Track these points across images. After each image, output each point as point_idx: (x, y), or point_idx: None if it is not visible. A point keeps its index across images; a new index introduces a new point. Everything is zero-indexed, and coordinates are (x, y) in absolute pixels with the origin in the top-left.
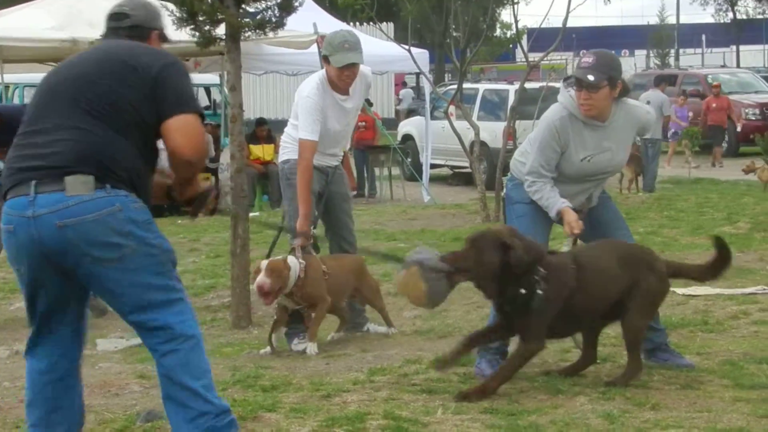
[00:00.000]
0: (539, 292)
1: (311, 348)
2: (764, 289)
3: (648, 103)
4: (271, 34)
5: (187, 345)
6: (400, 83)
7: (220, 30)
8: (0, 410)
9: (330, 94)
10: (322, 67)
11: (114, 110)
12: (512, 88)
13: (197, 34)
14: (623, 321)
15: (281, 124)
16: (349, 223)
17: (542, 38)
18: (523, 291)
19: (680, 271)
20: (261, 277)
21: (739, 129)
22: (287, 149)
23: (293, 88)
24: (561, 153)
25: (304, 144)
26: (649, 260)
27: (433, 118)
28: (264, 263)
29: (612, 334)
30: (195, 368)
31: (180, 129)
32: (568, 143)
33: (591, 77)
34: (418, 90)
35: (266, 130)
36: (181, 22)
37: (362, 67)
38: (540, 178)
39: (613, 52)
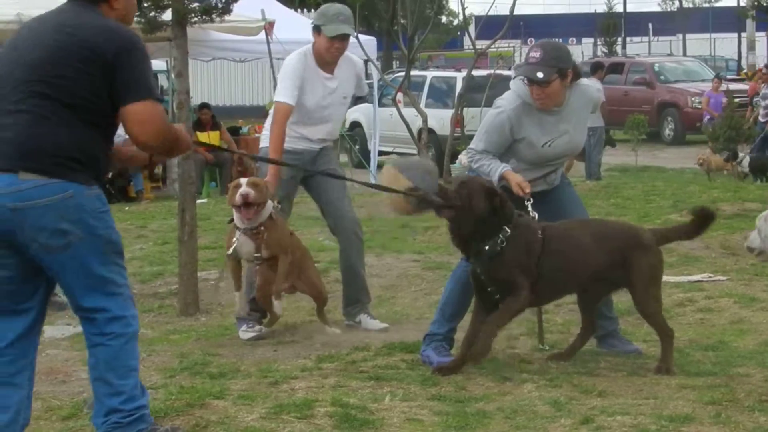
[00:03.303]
0: (502, 246)
1: (278, 306)
2: (710, 277)
3: None
4: (218, 20)
5: (118, 342)
6: None
7: (167, 16)
8: None
9: (313, 67)
10: (270, 56)
11: (67, 93)
12: (460, 76)
13: (143, 20)
14: (637, 308)
15: (228, 111)
16: (345, 203)
17: (490, 26)
18: (486, 248)
19: (668, 235)
20: (245, 188)
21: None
22: (266, 137)
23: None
24: (511, 140)
25: (279, 107)
26: (634, 236)
27: (381, 105)
28: (243, 179)
29: (559, 321)
30: (122, 366)
31: (136, 117)
32: (527, 132)
33: (540, 74)
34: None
35: (209, 115)
36: None
37: (353, 56)
38: (484, 152)
39: (559, 40)
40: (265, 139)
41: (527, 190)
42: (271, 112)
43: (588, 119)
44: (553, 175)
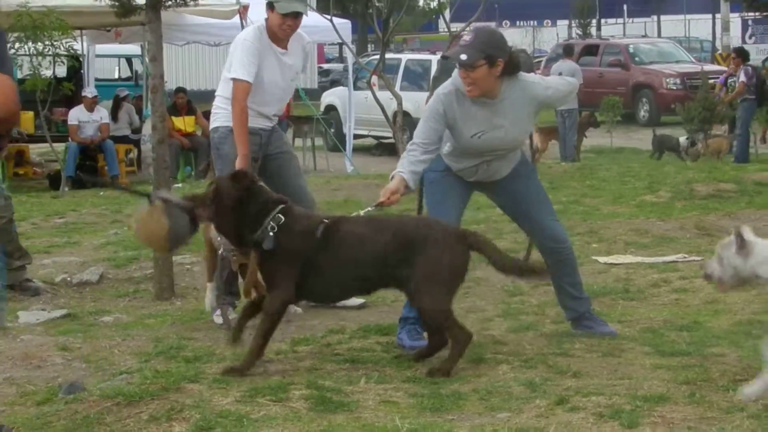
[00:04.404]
0: (270, 234)
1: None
2: (684, 257)
3: (560, 74)
4: (192, 4)
5: None
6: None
7: (140, 0)
8: None
9: (268, 43)
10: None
11: None
12: (435, 58)
13: (117, 3)
14: (412, 298)
15: (203, 95)
16: (301, 183)
17: (465, 8)
18: (255, 235)
19: (481, 245)
20: None
21: None
22: (218, 116)
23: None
24: (443, 129)
25: (238, 85)
26: (425, 233)
27: (356, 88)
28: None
29: (534, 302)
30: None
31: None
32: (456, 120)
33: (464, 56)
34: (341, 60)
35: (185, 100)
36: None
37: (299, 31)
38: (416, 146)
39: (534, 23)
40: (218, 119)
41: (383, 201)
42: (220, 90)
43: (533, 116)
44: (495, 165)
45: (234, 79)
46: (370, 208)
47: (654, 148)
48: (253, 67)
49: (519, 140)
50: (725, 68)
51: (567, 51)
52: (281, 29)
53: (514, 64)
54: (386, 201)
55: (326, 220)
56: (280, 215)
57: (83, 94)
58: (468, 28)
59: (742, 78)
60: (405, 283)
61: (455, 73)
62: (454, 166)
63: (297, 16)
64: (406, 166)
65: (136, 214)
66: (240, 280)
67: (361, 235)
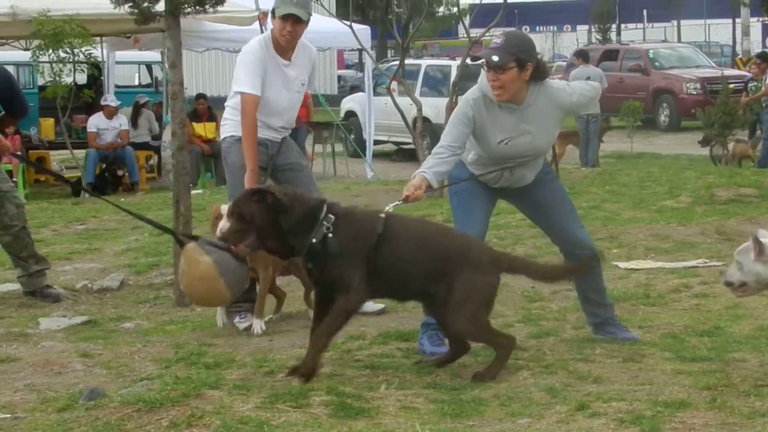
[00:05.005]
0: (330, 236)
1: (257, 325)
2: (705, 263)
3: (588, 78)
4: (211, 11)
5: None
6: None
7: (160, 6)
8: None
9: (273, 55)
10: None
11: None
12: (454, 64)
13: (136, 11)
14: (442, 316)
15: (223, 102)
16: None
17: (484, 14)
18: (314, 240)
19: (515, 265)
20: (224, 222)
21: None
22: (226, 126)
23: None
24: (471, 133)
25: (246, 98)
26: (465, 252)
27: (375, 94)
28: (224, 207)
29: (555, 308)
30: None
31: None
32: (484, 126)
33: (495, 58)
34: (360, 66)
35: (206, 106)
36: None
37: (307, 42)
38: (443, 148)
39: (554, 28)
40: (226, 129)
41: (408, 195)
42: (229, 100)
43: (558, 123)
44: (519, 172)
45: (240, 93)
46: (397, 202)
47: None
48: (258, 79)
49: (545, 147)
50: (746, 72)
51: (582, 56)
52: (281, 35)
53: (541, 70)
54: (411, 195)
55: (382, 215)
56: (330, 215)
57: (105, 103)
58: (487, 34)
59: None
60: (433, 298)
61: (482, 78)
62: (477, 173)
63: (297, 21)
64: (430, 166)
65: (185, 277)
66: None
67: (417, 235)
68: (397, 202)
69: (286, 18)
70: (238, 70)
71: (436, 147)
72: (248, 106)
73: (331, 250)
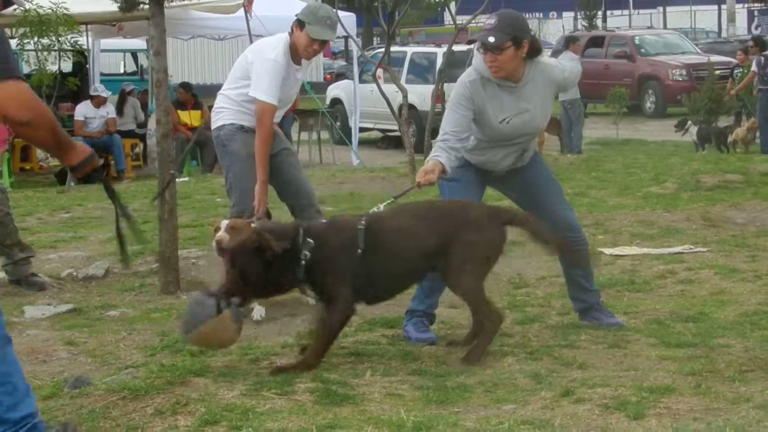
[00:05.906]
0: (303, 262)
1: (257, 312)
2: (690, 249)
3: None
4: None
5: None
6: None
7: None
8: None
9: (290, 62)
10: (249, 33)
11: None
12: (440, 51)
13: None
14: (447, 279)
15: (209, 89)
16: (302, 177)
17: (470, 1)
18: (299, 276)
19: (515, 219)
20: (221, 233)
21: None
22: (222, 114)
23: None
24: (473, 116)
25: (265, 108)
26: (462, 213)
27: (361, 81)
28: (224, 222)
29: (540, 294)
30: None
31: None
32: (484, 106)
33: (492, 39)
34: (346, 53)
35: (189, 95)
36: None
37: None
38: (448, 135)
39: (540, 15)
40: (222, 117)
41: (421, 181)
42: (226, 90)
43: (552, 99)
44: (517, 151)
45: (262, 102)
46: (407, 189)
47: (700, 141)
48: (279, 89)
49: (543, 124)
50: (731, 59)
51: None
52: (306, 51)
53: (536, 47)
54: (422, 180)
55: (361, 225)
56: (308, 240)
57: (95, 93)
58: (473, 21)
59: (754, 68)
60: (441, 265)
61: (476, 60)
62: (476, 159)
63: (325, 42)
64: (442, 152)
65: (212, 338)
66: None
67: (400, 228)
68: (407, 190)
69: (318, 39)
70: (263, 75)
71: (440, 135)
72: (266, 116)
73: (300, 278)
